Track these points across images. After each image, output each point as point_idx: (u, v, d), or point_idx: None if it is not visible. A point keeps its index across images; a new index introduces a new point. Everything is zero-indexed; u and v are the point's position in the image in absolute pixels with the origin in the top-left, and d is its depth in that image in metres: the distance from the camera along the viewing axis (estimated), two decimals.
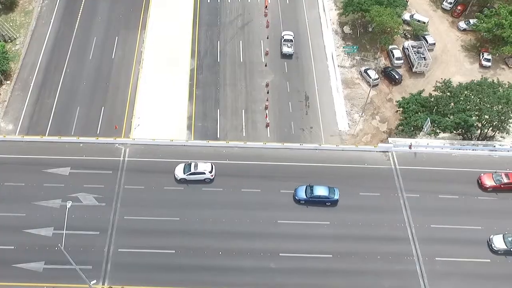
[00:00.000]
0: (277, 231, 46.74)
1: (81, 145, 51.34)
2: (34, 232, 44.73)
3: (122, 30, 70.10)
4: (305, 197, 47.97)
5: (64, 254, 36.73)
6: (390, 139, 55.46)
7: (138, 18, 71.83)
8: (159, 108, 61.42)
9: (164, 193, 48.41)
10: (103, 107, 61.32)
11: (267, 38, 70.38)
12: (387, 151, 53.68)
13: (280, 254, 45.38)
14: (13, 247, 43.93)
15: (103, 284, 42.56)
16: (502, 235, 46.81)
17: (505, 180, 50.30)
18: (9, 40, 68.11)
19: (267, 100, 63.09)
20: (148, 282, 42.87)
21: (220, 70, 66.61)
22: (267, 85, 64.83)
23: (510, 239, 46.38)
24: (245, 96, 64.13)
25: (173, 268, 43.81)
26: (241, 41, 70.01)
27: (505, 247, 46.06)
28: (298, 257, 45.20)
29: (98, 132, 57.60)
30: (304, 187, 48.67)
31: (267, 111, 61.90)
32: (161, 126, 58.47)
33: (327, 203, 48.22)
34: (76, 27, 70.06)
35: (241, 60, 67.94)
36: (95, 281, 41.35)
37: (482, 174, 51.24)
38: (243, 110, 62.47)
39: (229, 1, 75.27)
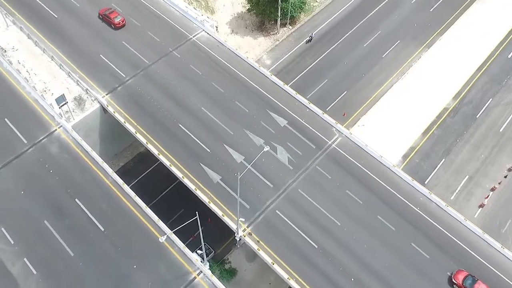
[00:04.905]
0: None
1: (307, 110, 53.87)
2: (229, 150, 49.80)
3: (407, 38, 69.33)
4: None
5: (237, 183, 40.07)
6: None
7: (430, 35, 70.01)
8: (391, 123, 59.99)
9: (343, 195, 47.85)
10: (345, 92, 62.93)
11: None
12: None
13: None
14: (209, 151, 49.89)
15: (247, 227, 45.44)
16: None
17: None
18: None
19: (499, 183, 55.47)
20: (279, 253, 43.90)
21: (472, 126, 60.88)
22: (509, 170, 56.81)
23: None
24: (480, 164, 57.56)
25: (305, 258, 43.78)
26: None
27: None
28: None
29: (327, 109, 59.74)
30: None
31: (491, 192, 54.57)
32: (381, 138, 57.18)
33: None
34: (368, 15, 72.08)
35: (501, 130, 60.61)
36: (243, 219, 44.45)
37: None
38: (467, 176, 56.44)
39: None
